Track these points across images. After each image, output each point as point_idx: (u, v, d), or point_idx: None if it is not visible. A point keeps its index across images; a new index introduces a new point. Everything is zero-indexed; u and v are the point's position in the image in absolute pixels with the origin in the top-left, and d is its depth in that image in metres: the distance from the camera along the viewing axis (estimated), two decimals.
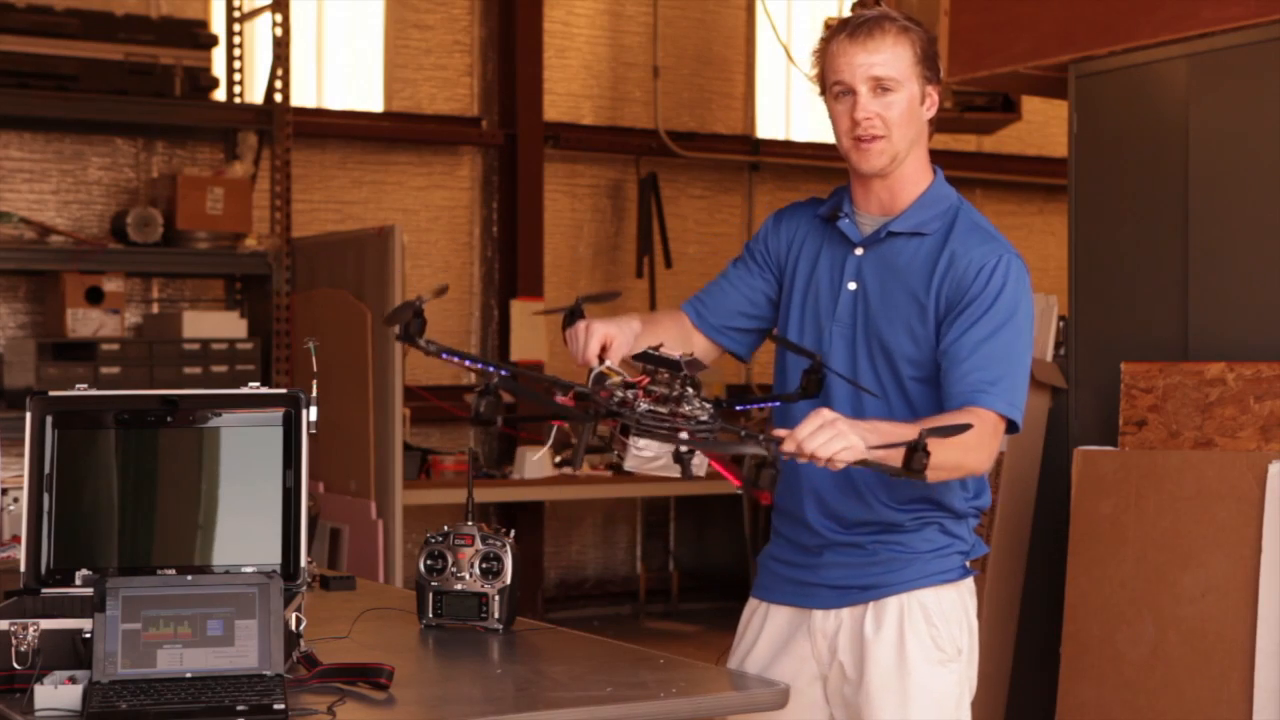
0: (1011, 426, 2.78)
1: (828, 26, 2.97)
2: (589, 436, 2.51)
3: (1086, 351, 4.95)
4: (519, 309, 8.86)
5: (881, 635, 2.86)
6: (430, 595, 3.06)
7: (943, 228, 2.86)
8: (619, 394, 2.50)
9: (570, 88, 9.35)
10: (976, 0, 5.21)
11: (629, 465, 2.55)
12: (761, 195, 9.64)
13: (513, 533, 3.11)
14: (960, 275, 2.79)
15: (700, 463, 2.49)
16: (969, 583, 2.95)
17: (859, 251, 2.89)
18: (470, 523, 3.09)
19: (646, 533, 9.50)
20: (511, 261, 9.00)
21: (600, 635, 3.19)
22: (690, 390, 2.49)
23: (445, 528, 3.09)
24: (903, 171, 2.87)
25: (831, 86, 2.84)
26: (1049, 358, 5.12)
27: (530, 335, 8.86)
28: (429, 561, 3.06)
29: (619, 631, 8.29)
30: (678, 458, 2.47)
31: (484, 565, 3.04)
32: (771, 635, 2.99)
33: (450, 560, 3.05)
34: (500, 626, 3.02)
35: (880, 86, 2.79)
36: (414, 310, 2.49)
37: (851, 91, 2.80)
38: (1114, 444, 4.59)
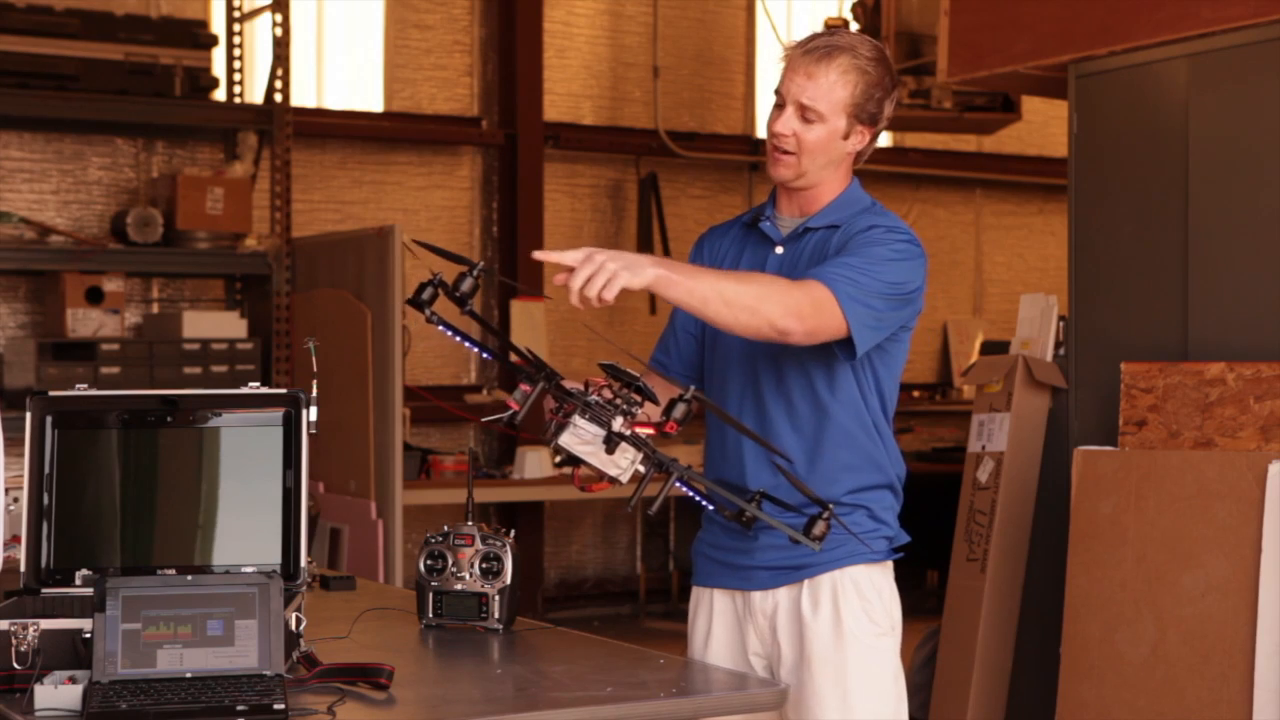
0: (849, 346, 2.89)
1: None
2: (534, 400, 2.71)
3: (1086, 351, 4.95)
4: (519, 309, 8.86)
5: (819, 611, 2.99)
6: (430, 595, 3.06)
7: (851, 218, 3.02)
8: (576, 388, 2.73)
9: (570, 88, 9.35)
10: (976, 0, 5.21)
11: (563, 440, 2.69)
12: (761, 195, 9.61)
13: (513, 533, 3.12)
14: (848, 234, 2.96)
15: (625, 454, 2.68)
16: (891, 565, 3.10)
17: (779, 250, 3.07)
18: (470, 523, 3.10)
19: (646, 533, 9.50)
20: (511, 261, 9.00)
21: (600, 635, 3.19)
22: (636, 408, 2.71)
23: (445, 528, 3.10)
24: (821, 185, 3.05)
25: (776, 91, 3.02)
26: (1049, 358, 5.12)
27: (530, 335, 8.86)
28: (429, 561, 3.06)
29: (619, 631, 8.29)
30: (608, 441, 2.67)
31: (484, 565, 3.04)
32: (721, 621, 3.12)
33: (450, 560, 3.05)
34: (500, 626, 3.02)
35: (805, 114, 2.96)
36: (435, 284, 2.72)
37: (784, 104, 2.99)
38: (1114, 444, 4.59)
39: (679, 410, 2.69)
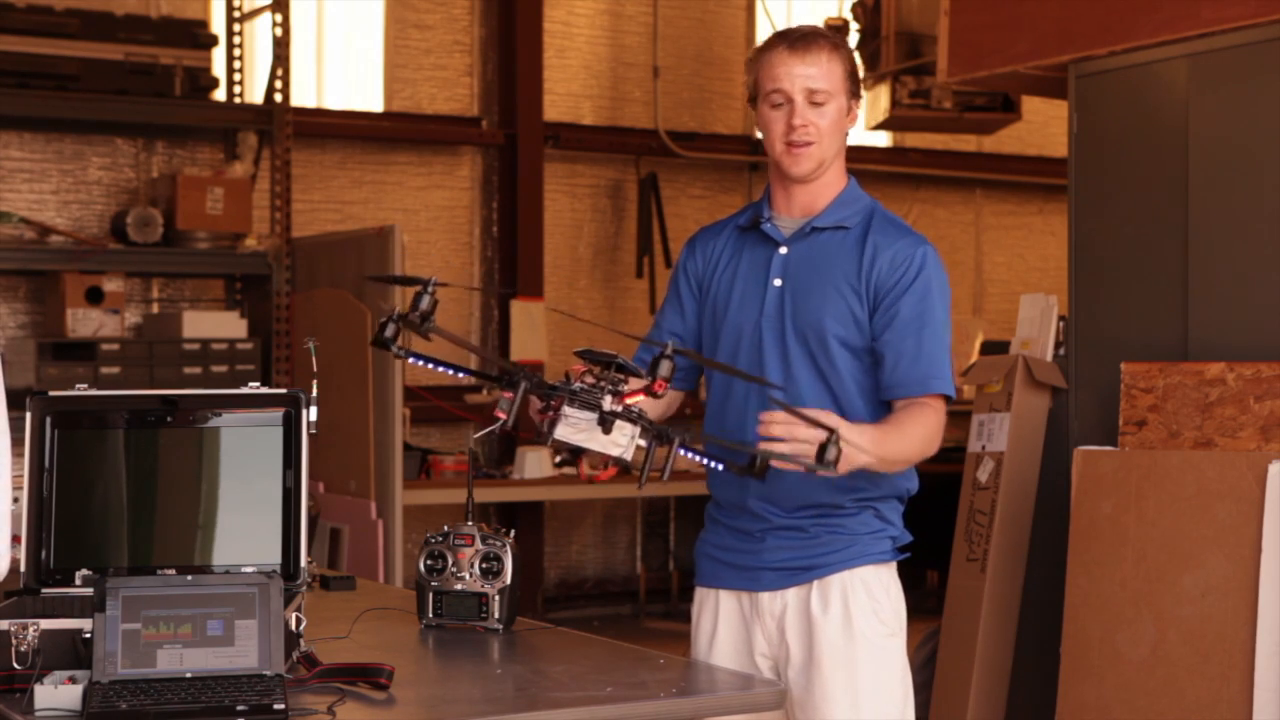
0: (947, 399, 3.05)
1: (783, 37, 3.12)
2: (519, 403, 2.69)
3: (1086, 351, 4.95)
4: (519, 309, 8.87)
5: (829, 612, 3.01)
6: (430, 595, 3.06)
7: (862, 222, 3.06)
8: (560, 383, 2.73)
9: (570, 88, 9.35)
10: (976, 0, 5.21)
11: (556, 434, 2.69)
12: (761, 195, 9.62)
13: (513, 533, 3.12)
14: (886, 265, 3.01)
15: (623, 431, 2.67)
16: (895, 565, 3.12)
17: (783, 250, 3.08)
18: (470, 523, 3.10)
19: (646, 533, 9.50)
20: (511, 261, 9.00)
21: (600, 635, 3.19)
22: (621, 385, 2.71)
23: (445, 528, 3.10)
24: (826, 177, 3.08)
25: (769, 95, 3.04)
26: (1049, 358, 5.12)
27: (530, 335, 8.86)
28: (429, 561, 3.06)
29: (619, 631, 8.29)
30: (602, 421, 2.65)
31: (484, 565, 3.04)
32: (727, 622, 3.12)
33: (450, 560, 3.05)
34: (500, 626, 3.02)
35: (815, 98, 3.00)
36: (392, 318, 2.71)
37: (789, 100, 3.01)
38: (1114, 444, 4.59)
39: (664, 367, 2.69)
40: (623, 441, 2.69)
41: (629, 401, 2.70)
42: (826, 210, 3.07)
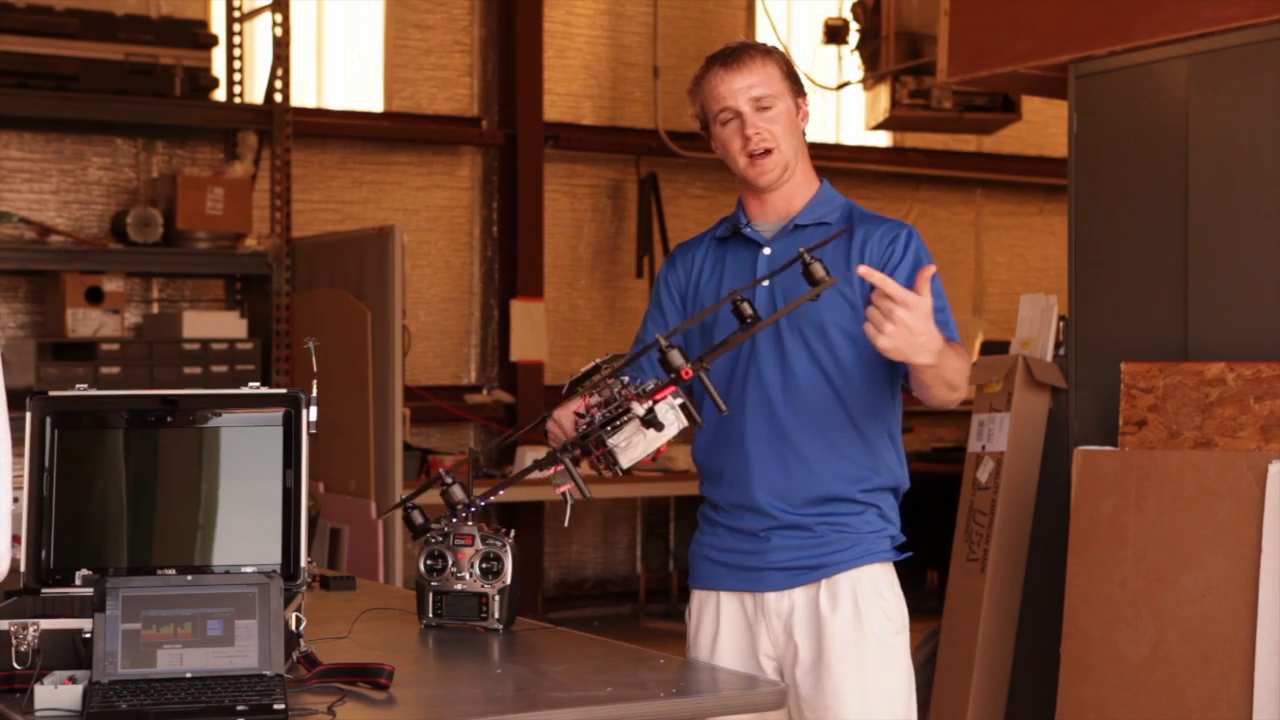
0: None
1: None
2: (575, 468, 2.78)
3: (1086, 351, 4.95)
4: (519, 309, 8.86)
5: (838, 610, 3.02)
6: (430, 595, 3.06)
7: (841, 217, 3.11)
8: (580, 426, 2.80)
9: (570, 88, 9.35)
10: (976, 0, 5.21)
11: (625, 463, 2.75)
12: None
13: (513, 533, 3.12)
14: (875, 247, 3.04)
15: (665, 412, 2.72)
16: (893, 564, 3.14)
17: (767, 251, 3.11)
18: (470, 523, 3.10)
19: (646, 533, 9.50)
20: (511, 261, 9.00)
21: (600, 635, 3.19)
22: (624, 378, 2.78)
23: (445, 528, 3.10)
24: (795, 180, 3.12)
25: (718, 115, 3.08)
26: (1049, 358, 5.12)
27: (530, 335, 8.86)
28: (429, 561, 3.07)
29: (619, 631, 8.28)
30: (647, 423, 2.70)
31: (484, 565, 3.04)
32: (729, 624, 3.12)
33: (450, 560, 3.05)
34: (500, 626, 3.03)
35: (761, 104, 3.05)
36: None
37: (738, 114, 3.05)
38: (1114, 444, 4.59)
39: (675, 356, 2.71)
40: (670, 419, 2.72)
41: (659, 398, 2.72)
42: (806, 209, 3.11)
